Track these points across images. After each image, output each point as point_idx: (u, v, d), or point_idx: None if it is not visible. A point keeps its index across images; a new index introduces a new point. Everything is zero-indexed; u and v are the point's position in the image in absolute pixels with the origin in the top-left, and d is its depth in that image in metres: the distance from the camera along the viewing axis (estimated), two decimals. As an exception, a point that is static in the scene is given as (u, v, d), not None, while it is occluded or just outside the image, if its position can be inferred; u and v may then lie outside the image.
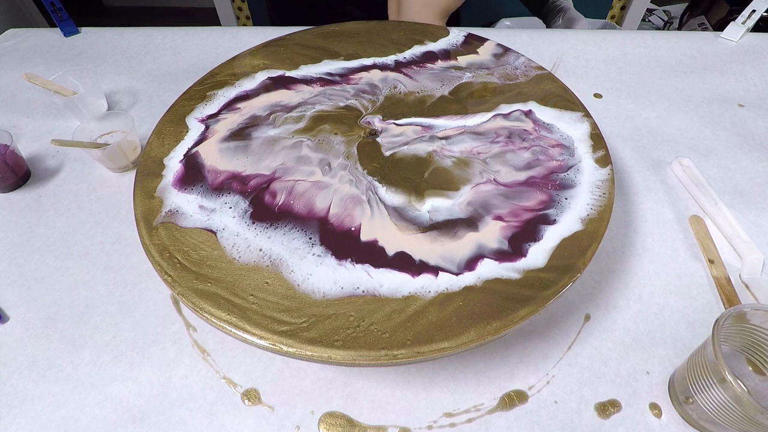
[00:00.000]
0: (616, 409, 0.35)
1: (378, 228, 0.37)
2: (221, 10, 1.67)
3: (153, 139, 0.45)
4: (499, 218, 0.37)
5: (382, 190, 0.40)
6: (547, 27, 0.89)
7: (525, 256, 0.35)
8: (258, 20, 1.70)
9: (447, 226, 0.37)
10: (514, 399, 0.36)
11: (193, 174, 0.42)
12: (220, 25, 1.66)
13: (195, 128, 0.46)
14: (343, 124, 0.47)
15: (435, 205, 0.38)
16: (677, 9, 1.65)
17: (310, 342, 0.30)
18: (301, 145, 0.44)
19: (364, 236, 0.36)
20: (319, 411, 0.36)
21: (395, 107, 0.48)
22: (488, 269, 0.34)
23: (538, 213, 0.38)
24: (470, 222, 0.37)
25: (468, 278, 0.34)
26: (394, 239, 0.36)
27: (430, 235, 0.36)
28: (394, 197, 0.39)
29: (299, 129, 0.46)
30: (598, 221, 0.37)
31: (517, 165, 0.42)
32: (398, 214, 0.38)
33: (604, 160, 0.42)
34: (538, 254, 0.35)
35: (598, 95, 0.64)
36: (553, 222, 0.37)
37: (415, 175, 0.41)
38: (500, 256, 0.35)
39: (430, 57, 0.55)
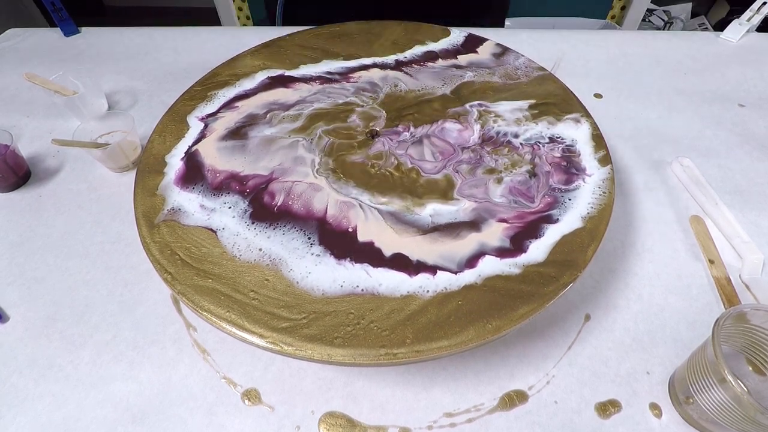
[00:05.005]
0: (616, 409, 0.35)
1: (373, 230, 0.37)
2: (221, 10, 1.66)
3: (155, 137, 0.45)
4: (503, 220, 0.37)
5: (369, 200, 0.39)
6: None
7: (525, 251, 0.35)
8: (258, 20, 1.70)
9: (449, 228, 0.37)
10: (514, 399, 0.36)
11: (193, 172, 0.42)
12: (220, 25, 1.66)
13: (195, 126, 0.46)
14: (340, 122, 0.47)
15: (437, 210, 0.38)
16: (677, 9, 1.64)
17: (310, 339, 0.30)
18: (298, 145, 0.44)
19: (362, 237, 0.36)
20: (320, 411, 0.36)
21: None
22: (489, 266, 0.34)
23: (542, 214, 0.38)
24: (473, 224, 0.37)
25: (468, 276, 0.34)
26: (390, 240, 0.36)
27: (431, 237, 0.36)
28: (385, 206, 0.39)
29: (296, 128, 0.46)
30: (598, 219, 0.37)
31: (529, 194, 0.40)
32: (395, 218, 0.38)
33: (605, 159, 0.42)
34: (538, 250, 0.35)
35: (598, 95, 0.64)
36: (555, 221, 0.37)
37: (409, 182, 0.41)
38: (501, 252, 0.35)
39: (430, 56, 0.55)
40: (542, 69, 0.53)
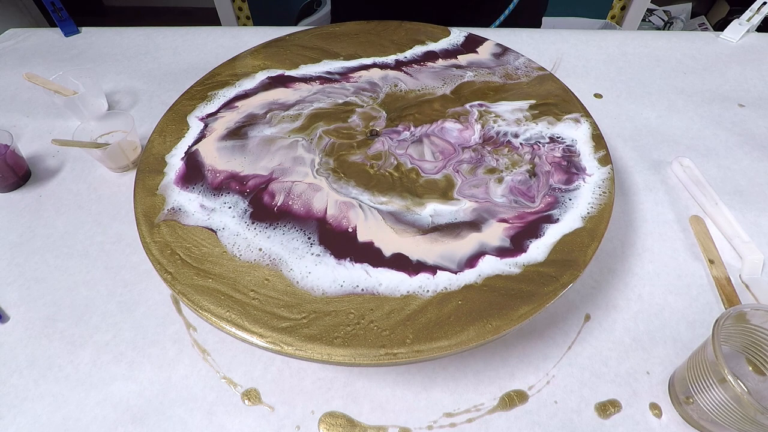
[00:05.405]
0: (616, 409, 0.35)
1: (373, 230, 0.37)
2: (221, 10, 1.67)
3: (155, 137, 0.45)
4: (503, 220, 0.37)
5: (370, 199, 0.39)
6: None
7: (525, 251, 0.35)
8: (258, 20, 1.70)
9: (450, 228, 0.37)
10: (514, 399, 0.36)
11: (194, 172, 0.42)
12: (220, 25, 1.66)
13: (195, 126, 0.46)
14: (340, 122, 0.47)
15: (437, 210, 0.38)
16: (677, 9, 1.64)
17: (310, 339, 0.30)
18: (297, 145, 0.44)
19: (361, 237, 0.36)
20: (320, 411, 0.36)
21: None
22: (489, 265, 0.34)
23: (542, 214, 0.38)
24: (474, 224, 0.37)
25: (468, 276, 0.34)
26: (390, 240, 0.36)
27: (431, 237, 0.36)
28: (385, 206, 0.39)
29: (296, 128, 0.46)
30: (598, 219, 0.37)
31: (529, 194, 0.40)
32: (395, 218, 0.38)
33: (605, 159, 0.42)
34: (538, 249, 0.35)
35: (598, 95, 0.64)
36: (555, 221, 0.37)
37: (409, 182, 0.41)
38: (501, 252, 0.35)
39: (430, 56, 0.55)
40: (542, 69, 0.53)
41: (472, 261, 0.35)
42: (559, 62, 0.69)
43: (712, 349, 0.29)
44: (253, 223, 0.38)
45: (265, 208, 0.39)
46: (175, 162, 0.43)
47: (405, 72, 0.53)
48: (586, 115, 0.47)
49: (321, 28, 0.60)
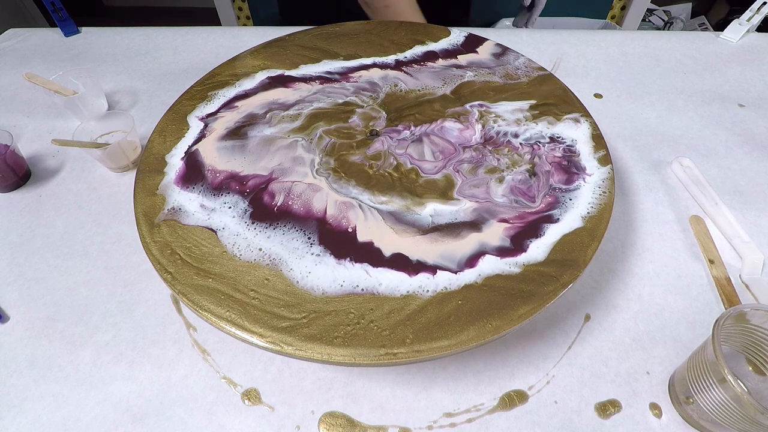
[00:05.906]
0: (616, 409, 0.35)
1: (373, 230, 0.37)
2: (221, 10, 1.67)
3: (155, 137, 0.45)
4: (504, 221, 0.37)
5: (370, 199, 0.39)
6: None
7: (525, 251, 0.35)
8: (258, 20, 1.70)
9: (450, 228, 0.37)
10: (514, 399, 0.36)
11: (194, 172, 0.42)
12: (220, 25, 1.66)
13: (195, 126, 0.46)
14: (340, 122, 0.47)
15: (437, 210, 0.38)
16: (677, 9, 1.65)
17: (310, 339, 0.30)
18: (297, 145, 0.44)
19: (361, 237, 0.36)
20: (320, 411, 0.36)
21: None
22: (489, 265, 0.34)
23: (543, 214, 0.38)
24: (474, 224, 0.37)
25: (468, 276, 0.34)
26: (390, 240, 0.36)
27: (431, 237, 0.36)
28: (385, 206, 0.39)
29: (296, 128, 0.46)
30: (598, 219, 0.37)
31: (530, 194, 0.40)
32: (395, 218, 0.38)
33: (605, 159, 0.42)
34: (538, 249, 0.35)
35: (598, 95, 0.64)
36: (556, 221, 0.37)
37: (408, 182, 0.41)
38: (502, 252, 0.35)
39: (430, 56, 0.55)
40: (542, 69, 0.53)
41: (472, 261, 0.35)
42: (559, 62, 0.69)
43: (712, 349, 0.29)
44: (253, 223, 0.38)
45: (265, 208, 0.39)
46: (175, 162, 0.43)
47: (405, 72, 0.53)
48: (586, 115, 0.47)
49: (321, 28, 0.60)
